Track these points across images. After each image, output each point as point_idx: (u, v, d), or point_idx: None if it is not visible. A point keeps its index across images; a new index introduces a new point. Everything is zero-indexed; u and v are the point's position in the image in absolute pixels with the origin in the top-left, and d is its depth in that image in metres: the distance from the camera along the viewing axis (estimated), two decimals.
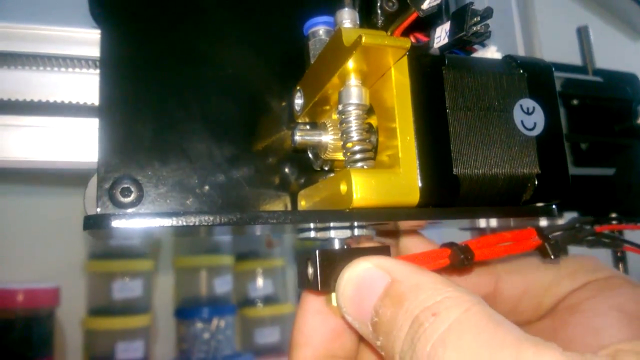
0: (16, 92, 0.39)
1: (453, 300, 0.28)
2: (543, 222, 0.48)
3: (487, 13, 0.33)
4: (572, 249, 0.47)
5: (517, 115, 0.37)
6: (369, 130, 0.37)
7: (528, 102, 0.37)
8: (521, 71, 0.38)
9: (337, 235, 0.37)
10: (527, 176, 0.36)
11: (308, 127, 0.41)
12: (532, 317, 0.44)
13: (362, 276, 0.33)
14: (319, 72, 0.37)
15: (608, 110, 0.63)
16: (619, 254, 0.60)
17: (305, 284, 0.36)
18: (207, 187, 0.39)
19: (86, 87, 0.41)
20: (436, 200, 0.34)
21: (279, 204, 0.41)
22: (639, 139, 0.63)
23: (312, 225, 0.36)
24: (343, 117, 0.36)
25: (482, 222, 0.45)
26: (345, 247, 0.37)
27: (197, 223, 0.32)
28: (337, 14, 0.37)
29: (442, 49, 0.36)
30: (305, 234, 0.39)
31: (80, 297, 1.40)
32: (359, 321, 0.33)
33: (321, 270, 0.34)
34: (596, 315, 0.40)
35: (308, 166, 0.42)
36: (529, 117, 0.37)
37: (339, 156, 0.39)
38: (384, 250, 0.36)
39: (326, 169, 0.41)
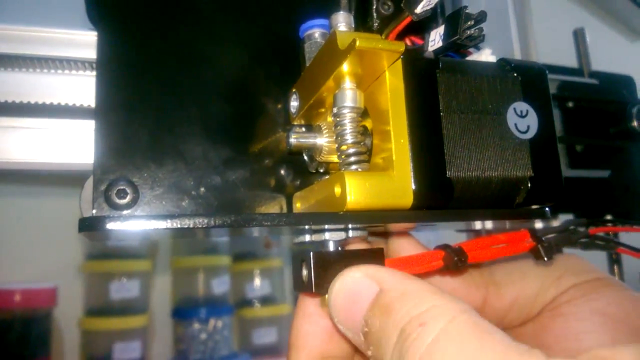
0: (12, 94, 0.39)
1: (439, 309, 0.28)
2: (538, 225, 0.48)
3: (481, 17, 0.33)
4: (566, 251, 0.47)
5: (511, 119, 0.37)
6: (364, 133, 0.37)
7: (522, 105, 0.37)
8: (515, 74, 0.38)
9: (331, 237, 0.37)
10: (520, 179, 0.36)
11: (303, 129, 0.41)
12: (517, 324, 0.44)
13: (351, 287, 0.33)
14: (314, 75, 0.38)
15: (603, 113, 0.64)
16: (614, 256, 0.60)
17: (300, 286, 0.36)
18: (202, 189, 0.39)
19: (82, 89, 0.41)
20: (430, 203, 0.34)
21: (275, 206, 0.41)
22: (634, 142, 0.63)
23: (306, 227, 0.36)
24: (338, 119, 0.36)
25: (477, 224, 0.45)
26: (340, 249, 0.38)
27: (191, 225, 0.32)
28: (333, 17, 0.38)
29: (437, 52, 0.36)
30: (300, 238, 0.40)
31: (78, 297, 1.40)
32: (351, 331, 0.33)
33: (315, 272, 0.34)
34: (577, 319, 0.40)
35: (304, 168, 0.42)
36: (522, 120, 0.37)
37: (334, 159, 0.39)
38: (377, 254, 0.36)
39: (321, 171, 0.41)
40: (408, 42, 0.43)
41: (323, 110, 0.40)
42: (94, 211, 0.36)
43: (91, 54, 0.40)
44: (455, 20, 0.34)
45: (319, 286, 0.34)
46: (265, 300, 1.61)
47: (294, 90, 0.41)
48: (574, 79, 0.66)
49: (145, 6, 0.41)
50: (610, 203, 0.63)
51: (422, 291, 0.30)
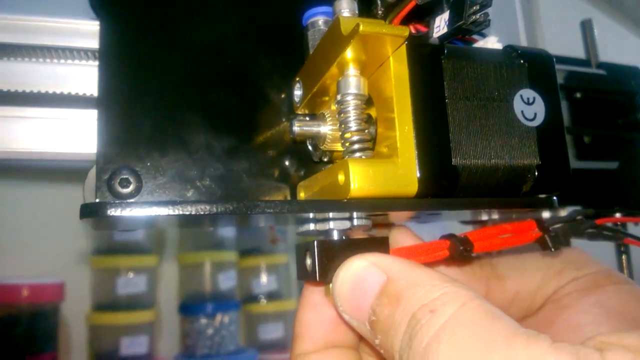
0: (14, 84, 0.39)
1: (450, 296, 0.28)
2: (545, 214, 0.47)
3: (487, 2, 0.33)
4: (572, 243, 0.47)
5: (518, 106, 0.36)
6: (368, 120, 0.36)
7: (528, 93, 0.37)
8: (522, 61, 0.37)
9: (335, 226, 0.37)
10: (527, 167, 0.36)
11: (307, 118, 0.41)
12: (519, 317, 0.44)
13: (357, 275, 0.33)
14: (317, 63, 0.37)
15: (611, 104, 0.63)
16: (621, 248, 0.59)
17: (303, 275, 0.36)
18: (206, 179, 0.39)
19: (85, 78, 0.41)
20: (435, 191, 0.34)
21: (279, 195, 0.41)
22: None
23: (310, 215, 0.36)
24: (341, 107, 0.36)
25: (483, 215, 0.45)
26: (344, 237, 0.37)
27: (193, 212, 0.32)
28: (336, 4, 0.37)
29: (442, 38, 0.36)
30: (304, 227, 0.39)
31: (85, 292, 1.40)
32: (357, 320, 0.33)
33: (319, 260, 0.34)
34: (578, 312, 0.40)
35: (308, 158, 0.42)
36: (529, 107, 0.37)
37: (338, 147, 0.39)
38: (382, 242, 0.36)
39: (325, 160, 0.41)
40: (412, 30, 0.42)
41: (327, 98, 0.39)
42: (97, 200, 0.35)
43: (94, 43, 0.40)
44: (460, 5, 0.33)
45: (323, 275, 0.34)
46: (272, 296, 1.61)
47: (297, 78, 0.41)
48: (582, 69, 0.65)
49: None
50: (618, 195, 0.62)
51: (431, 279, 0.30)
